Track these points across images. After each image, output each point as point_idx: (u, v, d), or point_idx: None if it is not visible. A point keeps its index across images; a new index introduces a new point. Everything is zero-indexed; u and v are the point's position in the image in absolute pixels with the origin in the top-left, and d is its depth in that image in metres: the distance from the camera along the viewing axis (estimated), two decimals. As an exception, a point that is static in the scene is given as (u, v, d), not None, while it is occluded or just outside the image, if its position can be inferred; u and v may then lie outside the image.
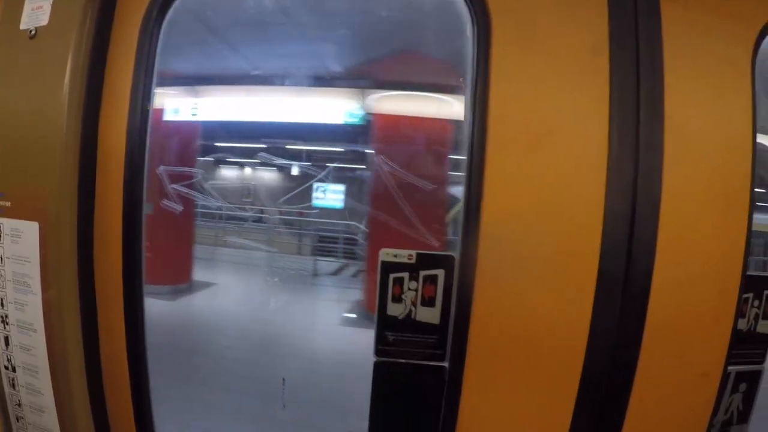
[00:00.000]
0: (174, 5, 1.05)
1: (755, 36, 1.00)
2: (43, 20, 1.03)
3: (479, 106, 0.91)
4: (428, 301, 0.95)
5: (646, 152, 0.91)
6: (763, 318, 1.03)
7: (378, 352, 0.99)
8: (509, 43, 0.92)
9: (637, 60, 0.91)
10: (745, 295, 1.00)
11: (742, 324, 1.01)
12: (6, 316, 1.06)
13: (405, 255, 0.94)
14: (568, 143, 0.92)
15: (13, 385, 1.10)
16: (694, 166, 0.94)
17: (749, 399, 1.05)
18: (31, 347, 1.04)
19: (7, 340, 1.07)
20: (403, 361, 0.98)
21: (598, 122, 0.91)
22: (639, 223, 0.92)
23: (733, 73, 0.98)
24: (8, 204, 1.02)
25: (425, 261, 0.94)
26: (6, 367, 1.09)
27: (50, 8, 1.03)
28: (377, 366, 0.99)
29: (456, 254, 0.93)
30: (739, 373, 1.03)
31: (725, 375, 1.00)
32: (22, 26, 1.06)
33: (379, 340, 0.98)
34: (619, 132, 0.90)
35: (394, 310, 0.96)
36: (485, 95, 0.91)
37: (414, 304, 0.95)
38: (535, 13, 0.92)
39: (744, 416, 1.06)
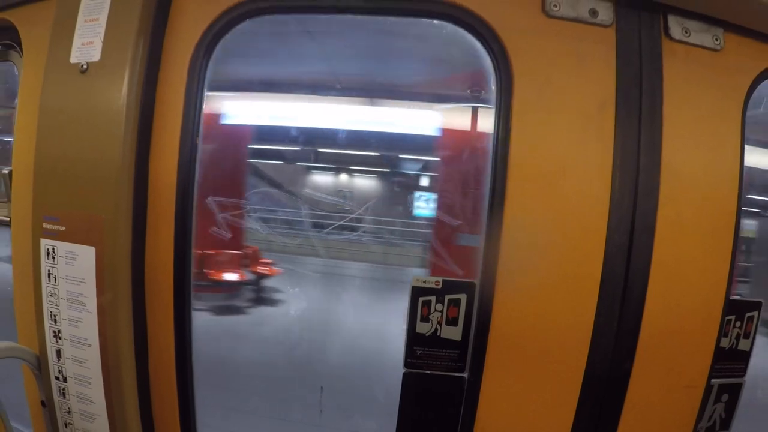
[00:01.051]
0: (221, 42, 1.15)
1: (747, 87, 1.14)
2: (95, 56, 1.12)
3: (501, 151, 1.04)
4: (452, 321, 1.09)
5: (644, 194, 1.06)
6: (744, 337, 1.19)
7: (407, 364, 1.12)
8: (528, 98, 1.05)
9: (639, 113, 1.05)
10: (728, 317, 1.15)
11: (725, 342, 1.17)
12: (59, 331, 1.17)
13: (432, 281, 1.08)
14: (576, 186, 1.05)
15: (63, 394, 1.20)
16: (686, 205, 1.08)
17: (731, 408, 1.22)
18: (85, 360, 1.15)
19: (59, 353, 1.18)
20: (428, 372, 1.12)
21: (604, 168, 1.05)
22: (635, 253, 1.07)
23: (725, 122, 1.12)
24: (63, 228, 1.12)
25: (450, 287, 1.08)
26: (57, 378, 1.20)
27: (101, 44, 1.12)
28: (406, 376, 1.13)
29: (477, 281, 1.07)
30: (721, 385, 1.19)
31: (709, 386, 1.16)
32: (73, 60, 1.15)
33: (408, 353, 1.12)
34: (621, 177, 1.05)
35: (422, 328, 1.10)
36: (507, 141, 1.04)
37: (439, 323, 1.09)
38: (552, 72, 1.05)
39: (726, 423, 1.23)
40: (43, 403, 1.26)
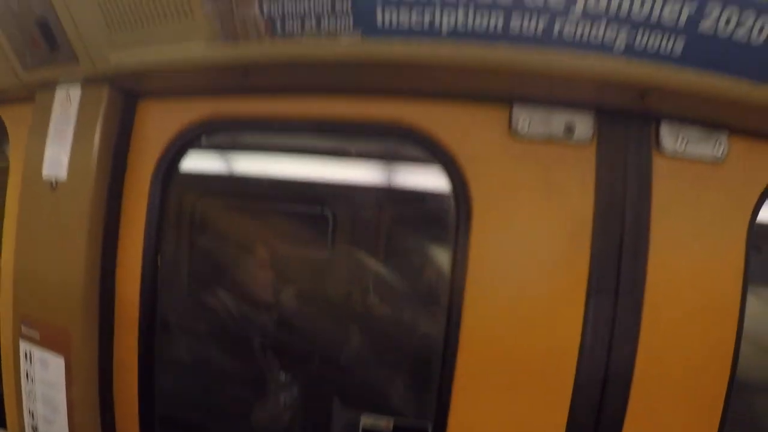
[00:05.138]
0: (183, 160, 1.22)
1: (755, 199, 1.02)
2: (63, 174, 1.21)
3: (456, 294, 1.03)
4: (403, 463, 1.11)
5: (621, 339, 0.99)
6: None
7: None
8: (488, 235, 1.03)
9: (620, 248, 0.98)
10: None
11: None
12: (36, 428, 1.32)
13: (382, 422, 1.11)
14: (541, 336, 1.02)
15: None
16: (670, 356, 1.01)
17: None
18: (59, 459, 1.29)
19: (37, 446, 1.33)
20: None
21: (574, 315, 1.00)
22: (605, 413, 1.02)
23: (725, 243, 1.02)
24: (38, 336, 1.25)
25: (401, 428, 1.11)
26: (35, 466, 1.36)
27: (67, 163, 1.21)
28: None
29: (429, 425, 1.08)
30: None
31: None
32: (44, 175, 1.24)
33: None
34: (593, 325, 0.99)
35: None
36: (462, 283, 1.03)
37: (391, 464, 1.12)
38: (517, 204, 1.02)
39: None
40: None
